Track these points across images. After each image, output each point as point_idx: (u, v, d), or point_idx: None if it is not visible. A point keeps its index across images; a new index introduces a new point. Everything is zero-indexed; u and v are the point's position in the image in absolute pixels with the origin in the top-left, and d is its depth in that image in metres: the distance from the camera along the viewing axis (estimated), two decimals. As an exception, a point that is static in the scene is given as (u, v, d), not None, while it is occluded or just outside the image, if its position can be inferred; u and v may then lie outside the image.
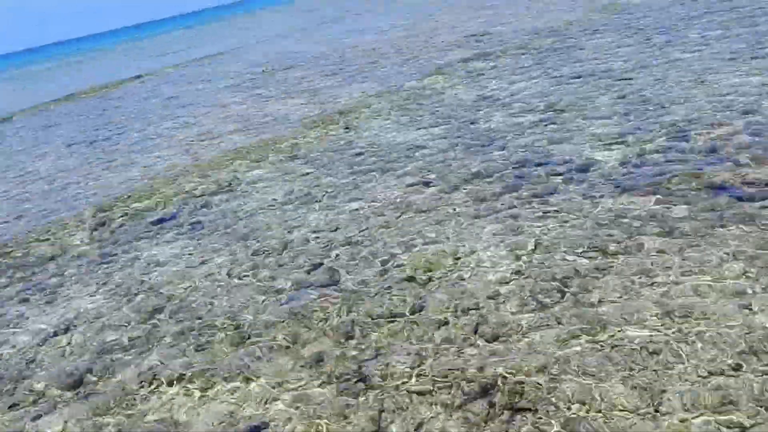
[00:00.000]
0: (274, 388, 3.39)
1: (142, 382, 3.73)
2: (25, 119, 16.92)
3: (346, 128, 8.58)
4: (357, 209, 5.70)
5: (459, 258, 4.37)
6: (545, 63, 9.72)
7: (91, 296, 5.18)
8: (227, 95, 13.78)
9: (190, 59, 22.93)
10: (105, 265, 5.78)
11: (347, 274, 4.52)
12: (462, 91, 9.19)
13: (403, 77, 11.25)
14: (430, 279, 4.17)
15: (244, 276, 4.88)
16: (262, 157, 8.12)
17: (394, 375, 3.25)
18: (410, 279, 4.22)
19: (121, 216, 7.05)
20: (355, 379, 3.29)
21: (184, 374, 3.70)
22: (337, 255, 4.85)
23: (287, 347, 3.74)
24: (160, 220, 6.63)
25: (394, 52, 14.44)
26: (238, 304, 4.44)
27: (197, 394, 3.50)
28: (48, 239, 6.85)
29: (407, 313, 3.83)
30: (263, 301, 4.39)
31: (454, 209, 5.21)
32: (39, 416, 3.63)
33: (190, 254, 5.59)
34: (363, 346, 3.58)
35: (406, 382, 3.18)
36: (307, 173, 7.11)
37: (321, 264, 4.76)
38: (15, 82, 38.04)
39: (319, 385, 3.31)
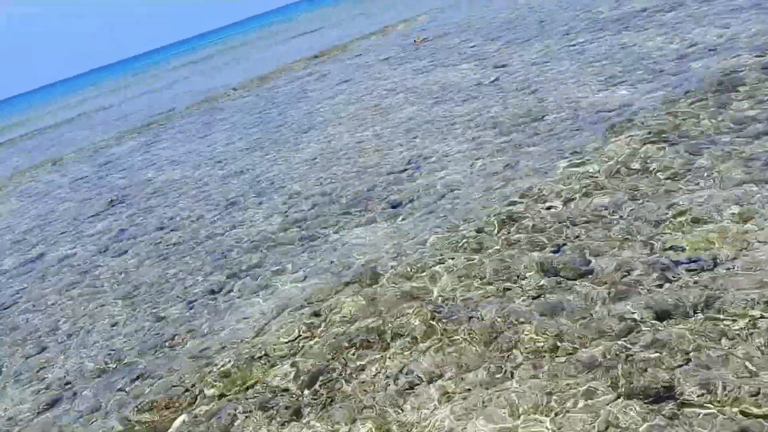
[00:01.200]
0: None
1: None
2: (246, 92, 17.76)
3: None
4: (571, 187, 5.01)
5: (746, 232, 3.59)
6: None
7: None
8: (386, 68, 13.39)
9: (338, 40, 22.92)
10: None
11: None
12: (659, 41, 8.06)
13: (581, 33, 10.24)
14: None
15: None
16: (443, 129, 7.62)
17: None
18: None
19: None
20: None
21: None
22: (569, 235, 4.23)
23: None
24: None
25: (552, 18, 13.33)
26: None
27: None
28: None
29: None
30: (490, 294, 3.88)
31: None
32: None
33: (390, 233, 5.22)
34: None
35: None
36: (491, 141, 6.60)
37: (564, 244, 4.16)
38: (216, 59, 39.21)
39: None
